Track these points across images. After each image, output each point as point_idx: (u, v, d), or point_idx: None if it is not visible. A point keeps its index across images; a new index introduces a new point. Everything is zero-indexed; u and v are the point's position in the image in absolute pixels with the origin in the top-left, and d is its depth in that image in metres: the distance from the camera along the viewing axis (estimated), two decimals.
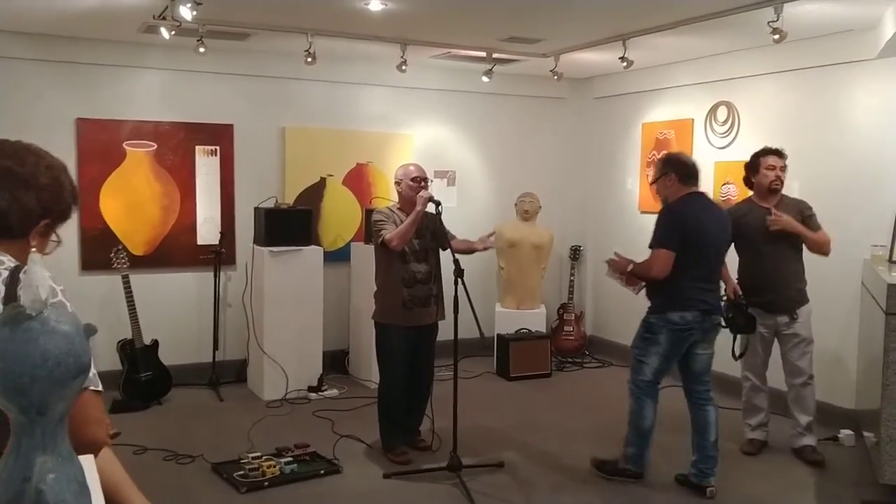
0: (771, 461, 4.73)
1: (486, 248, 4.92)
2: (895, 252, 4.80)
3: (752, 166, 4.81)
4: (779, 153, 4.75)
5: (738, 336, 4.77)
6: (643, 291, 4.37)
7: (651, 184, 4.62)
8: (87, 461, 1.52)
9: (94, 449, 1.65)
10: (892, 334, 3.95)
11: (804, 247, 4.69)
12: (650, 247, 4.21)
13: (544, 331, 7.03)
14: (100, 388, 1.65)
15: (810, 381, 4.70)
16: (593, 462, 4.53)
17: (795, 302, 4.68)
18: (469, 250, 4.81)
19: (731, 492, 4.30)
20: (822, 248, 4.66)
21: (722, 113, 6.29)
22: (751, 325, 4.65)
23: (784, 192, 4.77)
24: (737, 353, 4.82)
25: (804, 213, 4.68)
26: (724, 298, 4.62)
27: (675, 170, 4.26)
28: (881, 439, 4.00)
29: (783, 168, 4.72)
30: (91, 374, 1.64)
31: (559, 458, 4.76)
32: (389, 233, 4.55)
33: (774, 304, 4.67)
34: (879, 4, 4.51)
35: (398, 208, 4.76)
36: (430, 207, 4.53)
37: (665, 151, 4.70)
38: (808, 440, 4.72)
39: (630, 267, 4.34)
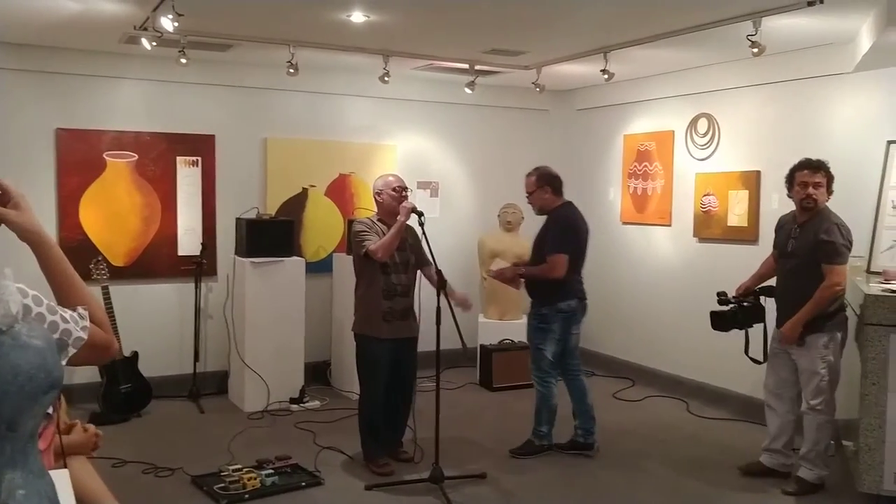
0: None
1: (459, 305, 4.57)
2: (873, 263, 4.85)
3: (788, 180, 4.42)
4: (815, 166, 4.30)
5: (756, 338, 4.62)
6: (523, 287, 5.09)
7: (528, 195, 5.00)
8: (61, 476, 1.50)
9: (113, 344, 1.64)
10: (869, 344, 3.99)
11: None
12: (549, 252, 4.73)
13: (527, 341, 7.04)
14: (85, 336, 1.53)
15: (810, 412, 4.29)
16: (511, 452, 4.92)
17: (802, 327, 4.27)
18: (437, 287, 4.41)
19: (709, 503, 4.33)
20: (833, 296, 4.21)
21: (702, 125, 6.35)
22: (725, 327, 4.57)
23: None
24: (758, 357, 4.62)
25: (819, 238, 4.23)
26: (725, 294, 4.62)
27: (549, 183, 4.91)
28: (860, 448, 4.04)
29: (818, 184, 4.26)
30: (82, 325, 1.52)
31: (541, 469, 4.75)
32: (374, 244, 4.50)
33: (780, 322, 4.39)
34: (856, 19, 4.57)
35: (378, 219, 4.73)
36: (413, 219, 4.51)
37: (536, 167, 5.00)
38: (794, 467, 4.45)
39: (523, 271, 4.94)
